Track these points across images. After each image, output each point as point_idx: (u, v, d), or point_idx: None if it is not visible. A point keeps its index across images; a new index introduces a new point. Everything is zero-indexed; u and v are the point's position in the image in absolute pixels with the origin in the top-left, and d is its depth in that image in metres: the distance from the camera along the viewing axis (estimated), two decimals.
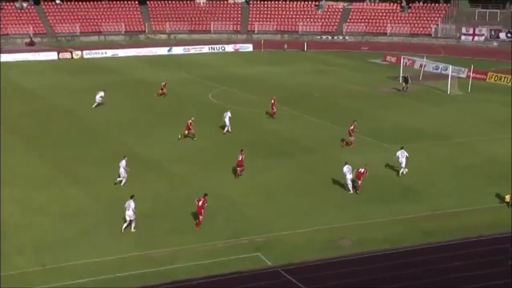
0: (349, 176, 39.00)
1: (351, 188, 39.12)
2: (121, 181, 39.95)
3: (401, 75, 73.34)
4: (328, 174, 41.81)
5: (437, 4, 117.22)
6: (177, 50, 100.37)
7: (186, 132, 49.63)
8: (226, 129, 51.57)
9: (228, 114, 51.73)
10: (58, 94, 66.47)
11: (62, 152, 46.53)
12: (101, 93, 61.17)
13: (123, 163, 40.06)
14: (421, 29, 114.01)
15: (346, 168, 39.07)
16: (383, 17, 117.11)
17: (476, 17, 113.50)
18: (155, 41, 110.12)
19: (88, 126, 53.82)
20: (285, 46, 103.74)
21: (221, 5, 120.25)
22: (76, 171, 42.48)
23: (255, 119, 55.78)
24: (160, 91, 65.77)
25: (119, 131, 52.42)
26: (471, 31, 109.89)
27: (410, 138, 50.18)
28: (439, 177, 42.23)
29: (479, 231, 33.73)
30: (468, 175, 42.69)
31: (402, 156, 42.33)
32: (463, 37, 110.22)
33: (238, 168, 41.40)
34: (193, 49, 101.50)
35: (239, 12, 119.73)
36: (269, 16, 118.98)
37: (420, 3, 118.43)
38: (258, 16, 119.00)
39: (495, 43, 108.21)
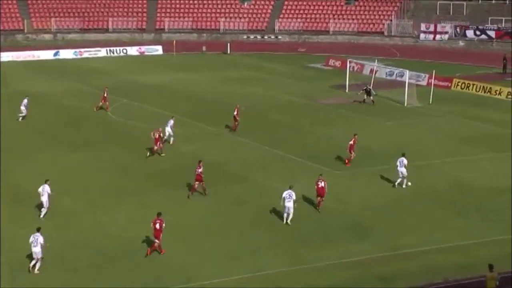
0: (289, 204, 39.28)
1: (289, 219, 39.46)
2: (45, 212, 39.84)
3: (347, 83, 74.60)
4: (259, 207, 42.07)
5: None
6: (66, 53, 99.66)
7: (156, 147, 51.42)
8: (171, 140, 54.30)
9: (171, 122, 54.38)
10: None
11: None
12: (25, 101, 61.90)
13: (45, 188, 39.81)
14: (370, 26, 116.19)
15: (286, 194, 39.34)
16: (324, 12, 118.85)
17: (438, 11, 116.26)
18: (38, 42, 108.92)
19: None
20: (204, 48, 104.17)
21: None
22: None
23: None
24: (101, 102, 65.58)
25: None
26: (432, 28, 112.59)
27: (359, 160, 50.79)
28: (394, 209, 42.77)
29: (445, 274, 34.26)
30: (430, 206, 43.31)
31: (401, 165, 44.48)
32: (422, 36, 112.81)
33: (197, 183, 43.42)
34: (86, 53, 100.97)
35: (145, 5, 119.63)
36: (182, 10, 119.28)
37: None
38: (169, 10, 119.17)
39: (461, 43, 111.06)
